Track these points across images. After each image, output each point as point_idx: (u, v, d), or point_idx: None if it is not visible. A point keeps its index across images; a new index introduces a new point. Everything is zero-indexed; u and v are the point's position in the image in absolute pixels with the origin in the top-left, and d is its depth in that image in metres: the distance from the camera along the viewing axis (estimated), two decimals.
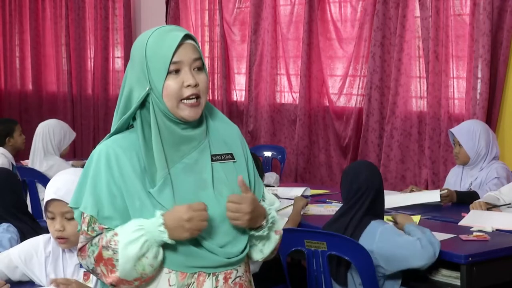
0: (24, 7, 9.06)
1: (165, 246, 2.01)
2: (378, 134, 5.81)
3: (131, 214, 2.01)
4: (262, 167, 4.56)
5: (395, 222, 3.45)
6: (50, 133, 5.35)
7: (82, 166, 2.15)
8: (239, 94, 7.01)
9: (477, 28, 5.09)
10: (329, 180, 6.20)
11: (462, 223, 3.77)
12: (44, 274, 2.72)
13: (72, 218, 2.57)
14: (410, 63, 5.62)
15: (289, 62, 6.48)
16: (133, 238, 1.96)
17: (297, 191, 4.51)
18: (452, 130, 4.54)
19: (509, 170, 4.46)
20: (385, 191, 3.44)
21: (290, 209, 4.01)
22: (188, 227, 1.97)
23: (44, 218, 2.72)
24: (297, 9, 6.38)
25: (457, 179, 4.56)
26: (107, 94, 8.14)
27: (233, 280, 2.08)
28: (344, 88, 6.08)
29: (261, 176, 4.27)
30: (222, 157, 2.11)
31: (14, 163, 5.34)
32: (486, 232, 3.54)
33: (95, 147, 2.12)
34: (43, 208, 2.70)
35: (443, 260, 3.24)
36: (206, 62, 6.95)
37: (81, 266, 2.63)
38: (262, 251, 2.16)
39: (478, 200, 4.03)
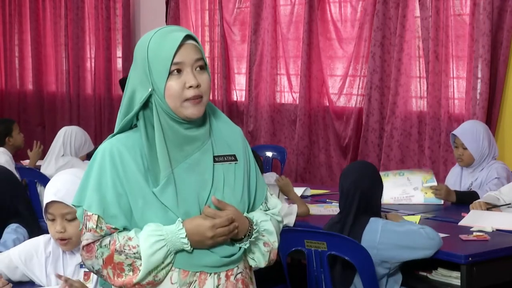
0: (24, 7, 9.06)
1: None
2: (378, 134, 5.80)
3: (133, 213, 2.02)
4: (262, 166, 4.55)
5: None
6: (72, 135, 5.36)
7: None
8: (239, 94, 7.01)
9: (477, 28, 5.08)
10: (329, 180, 6.19)
11: (462, 223, 3.78)
12: (44, 275, 2.72)
13: (73, 219, 2.57)
14: (410, 63, 5.61)
15: (289, 62, 6.48)
16: (156, 249, 1.98)
17: (297, 191, 4.51)
18: (455, 132, 4.51)
19: (509, 170, 4.46)
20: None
21: (295, 205, 3.99)
22: (211, 243, 2.02)
23: (44, 219, 2.71)
24: (297, 9, 6.38)
25: (457, 179, 4.55)
26: (110, 94, 8.14)
27: (235, 277, 2.10)
28: (344, 88, 6.08)
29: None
30: (225, 158, 2.12)
31: (14, 163, 5.34)
32: (486, 232, 3.54)
33: (97, 147, 2.12)
34: (43, 209, 2.69)
35: (443, 260, 3.24)
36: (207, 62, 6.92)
37: (81, 266, 2.63)
38: (254, 259, 2.17)
39: (478, 200, 4.03)
